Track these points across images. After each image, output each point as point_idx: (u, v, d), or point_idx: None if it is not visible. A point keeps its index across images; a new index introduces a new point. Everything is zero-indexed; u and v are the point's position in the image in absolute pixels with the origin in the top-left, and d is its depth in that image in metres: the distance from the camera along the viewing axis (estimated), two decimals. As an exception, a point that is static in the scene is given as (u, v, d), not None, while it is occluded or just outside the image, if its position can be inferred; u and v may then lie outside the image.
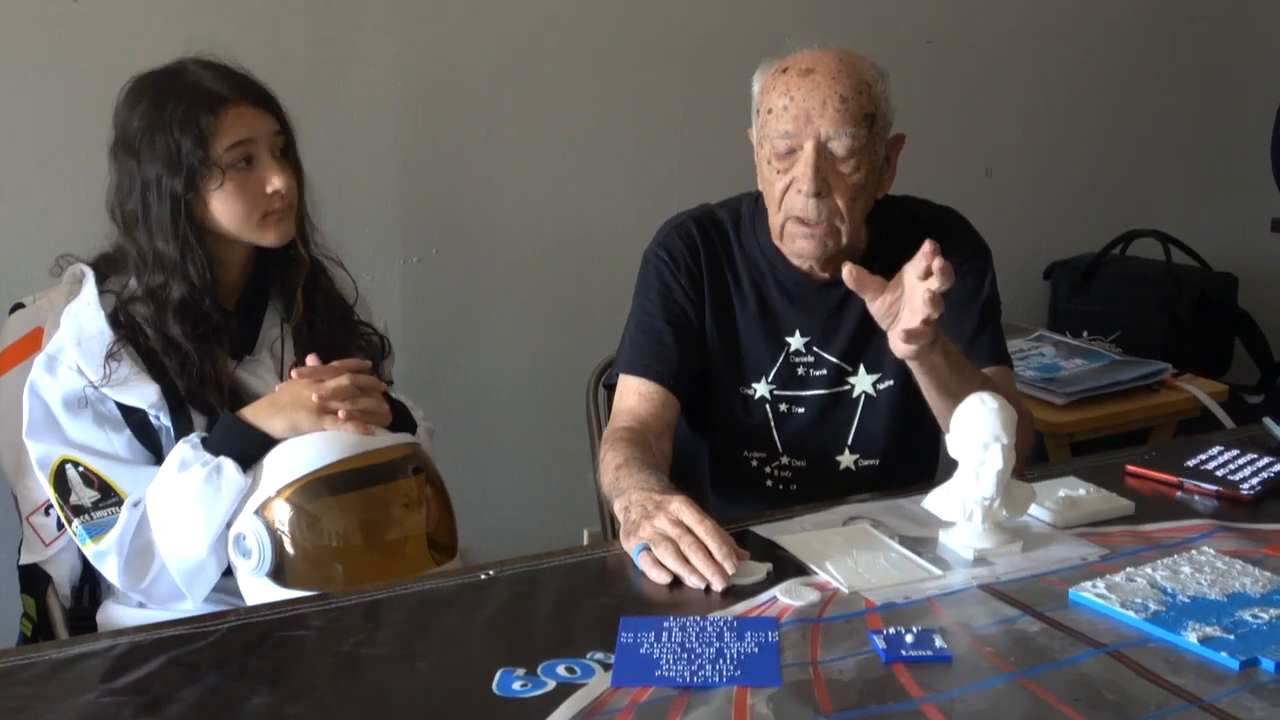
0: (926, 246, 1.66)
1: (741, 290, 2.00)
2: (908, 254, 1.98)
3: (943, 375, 1.77)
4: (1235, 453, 1.96)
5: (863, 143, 1.84)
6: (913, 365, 1.78)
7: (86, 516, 1.75)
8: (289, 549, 1.69)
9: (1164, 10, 3.86)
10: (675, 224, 2.05)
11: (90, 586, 1.89)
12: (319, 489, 1.69)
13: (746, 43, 3.12)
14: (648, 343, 1.98)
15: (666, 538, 1.55)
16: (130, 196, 1.79)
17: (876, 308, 1.75)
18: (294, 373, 1.78)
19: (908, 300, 1.71)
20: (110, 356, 1.76)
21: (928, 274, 1.65)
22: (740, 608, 1.48)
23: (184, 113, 1.75)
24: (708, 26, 3.16)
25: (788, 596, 1.50)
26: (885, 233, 1.99)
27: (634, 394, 1.95)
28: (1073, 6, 3.71)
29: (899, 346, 1.72)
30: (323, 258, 1.95)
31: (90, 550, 1.76)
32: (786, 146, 1.85)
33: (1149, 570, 1.55)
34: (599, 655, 1.36)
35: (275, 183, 1.80)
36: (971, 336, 1.97)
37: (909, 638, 1.39)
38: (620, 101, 3.11)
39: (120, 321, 1.79)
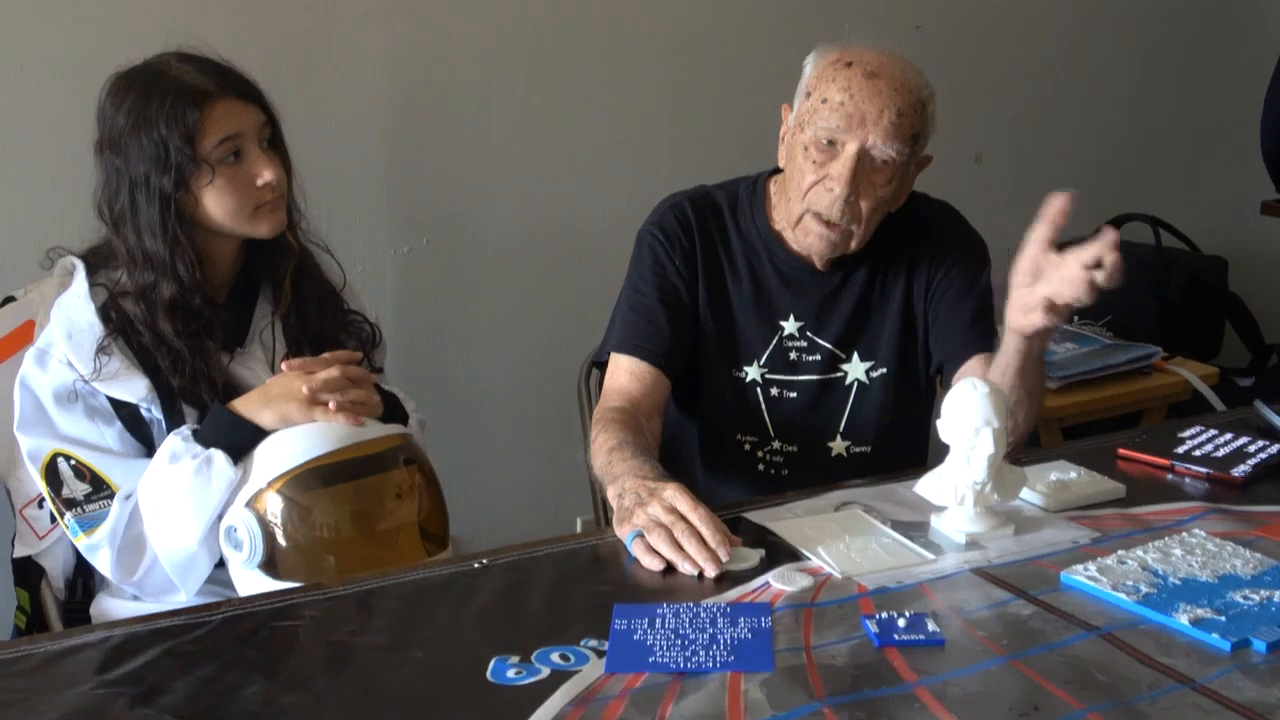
0: (1111, 238, 1.59)
1: (736, 272, 2.00)
2: (902, 247, 1.98)
3: (1036, 361, 1.77)
4: (1226, 435, 1.96)
5: (903, 160, 1.86)
6: (1018, 342, 1.74)
7: (79, 509, 1.75)
8: (281, 541, 1.69)
9: (1152, -6, 3.86)
10: (671, 203, 2.04)
11: (84, 579, 1.89)
12: (310, 480, 1.69)
13: (736, 32, 3.14)
14: (640, 322, 1.98)
15: (660, 524, 1.55)
16: (118, 195, 1.78)
17: (1024, 264, 1.67)
18: (284, 364, 1.78)
19: (1062, 274, 1.63)
20: (101, 350, 1.75)
21: (1097, 264, 1.60)
22: (733, 594, 1.48)
23: (170, 110, 1.73)
24: (697, 15, 3.15)
25: (780, 582, 1.50)
26: (881, 225, 1.99)
27: (625, 373, 1.95)
28: (1062, -9, 3.71)
29: (1031, 317, 1.68)
30: (309, 244, 1.95)
31: (83, 543, 1.76)
32: (829, 139, 1.84)
33: (1140, 553, 1.56)
34: (593, 642, 1.36)
35: (266, 175, 1.79)
36: (968, 325, 1.98)
37: (901, 622, 1.40)
38: (609, 89, 3.10)
39: (111, 316, 1.78)
